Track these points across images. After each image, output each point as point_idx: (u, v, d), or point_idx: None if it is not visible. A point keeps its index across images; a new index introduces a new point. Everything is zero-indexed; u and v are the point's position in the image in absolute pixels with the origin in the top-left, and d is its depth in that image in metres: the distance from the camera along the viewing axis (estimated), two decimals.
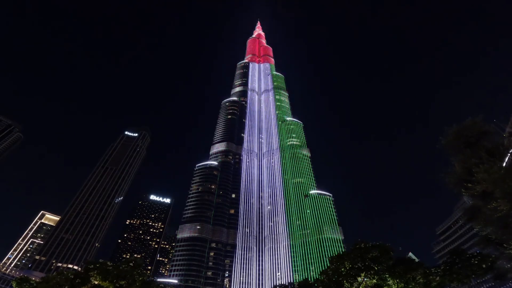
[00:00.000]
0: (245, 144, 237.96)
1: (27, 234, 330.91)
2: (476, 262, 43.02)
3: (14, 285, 69.91)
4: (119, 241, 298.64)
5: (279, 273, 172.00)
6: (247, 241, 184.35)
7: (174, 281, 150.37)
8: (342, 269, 50.63)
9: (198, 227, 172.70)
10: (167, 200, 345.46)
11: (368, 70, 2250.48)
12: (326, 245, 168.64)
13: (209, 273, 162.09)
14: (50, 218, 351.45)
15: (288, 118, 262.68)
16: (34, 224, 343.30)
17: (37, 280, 76.05)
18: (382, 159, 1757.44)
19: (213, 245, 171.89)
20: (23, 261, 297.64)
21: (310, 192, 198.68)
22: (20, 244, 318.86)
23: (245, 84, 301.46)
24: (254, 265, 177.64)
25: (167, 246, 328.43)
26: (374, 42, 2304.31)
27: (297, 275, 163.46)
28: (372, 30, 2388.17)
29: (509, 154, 21.68)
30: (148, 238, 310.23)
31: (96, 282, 59.78)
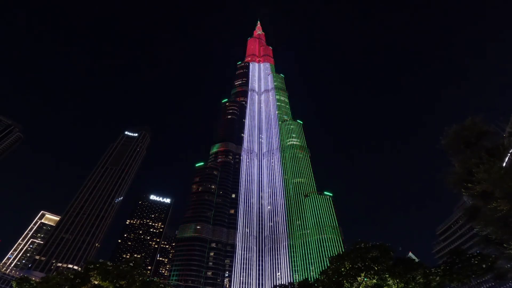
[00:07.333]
0: (245, 144, 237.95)
1: (27, 234, 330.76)
2: (476, 262, 43.02)
3: (14, 285, 69.81)
4: (119, 241, 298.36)
5: (279, 273, 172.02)
6: (247, 241, 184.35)
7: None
8: (342, 269, 50.62)
9: (198, 227, 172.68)
10: (167, 200, 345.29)
11: (369, 70, 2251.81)
12: (326, 245, 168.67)
13: (209, 273, 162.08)
14: (50, 218, 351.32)
15: (288, 118, 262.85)
16: (34, 224, 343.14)
17: (37, 280, 75.99)
18: (382, 159, 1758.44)
19: (213, 245, 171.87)
20: (23, 261, 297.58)
21: (310, 192, 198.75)
22: (20, 244, 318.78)
23: (245, 84, 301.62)
24: (254, 265, 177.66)
25: (167, 246, 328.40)
26: (375, 42, 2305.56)
27: (297, 275, 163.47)
28: (372, 30, 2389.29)
29: (509, 154, 21.67)
30: (148, 238, 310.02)
31: (96, 282, 59.77)
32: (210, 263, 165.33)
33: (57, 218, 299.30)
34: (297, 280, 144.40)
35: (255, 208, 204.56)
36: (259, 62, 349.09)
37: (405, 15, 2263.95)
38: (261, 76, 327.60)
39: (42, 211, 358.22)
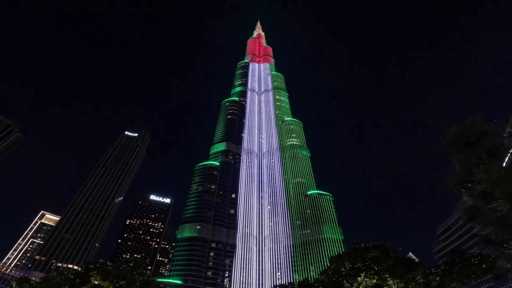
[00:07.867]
0: (245, 144, 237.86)
1: (27, 234, 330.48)
2: (476, 262, 43.00)
3: (14, 285, 69.73)
4: (119, 241, 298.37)
5: (279, 273, 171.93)
6: (247, 241, 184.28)
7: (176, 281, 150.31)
8: (342, 269, 50.61)
9: (198, 227, 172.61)
10: (167, 200, 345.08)
11: (369, 69, 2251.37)
12: (326, 245, 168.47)
13: (209, 273, 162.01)
14: (50, 218, 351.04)
15: (288, 118, 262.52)
16: (34, 224, 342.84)
17: (37, 280, 75.97)
18: (382, 159, 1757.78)
19: (213, 245, 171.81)
20: (23, 261, 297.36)
21: (310, 192, 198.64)
22: (20, 244, 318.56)
23: (245, 84, 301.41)
24: (254, 265, 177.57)
25: (167, 246, 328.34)
26: (374, 41, 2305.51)
27: (297, 275, 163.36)
28: (373, 28, 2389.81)
29: (509, 154, 21.66)
30: (148, 238, 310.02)
31: (96, 282, 59.70)
32: (210, 263, 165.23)
33: (57, 218, 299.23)
34: (297, 280, 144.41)
35: (255, 208, 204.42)
36: (259, 62, 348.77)
37: (407, 15, 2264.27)
38: (261, 76, 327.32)
39: (42, 211, 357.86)
